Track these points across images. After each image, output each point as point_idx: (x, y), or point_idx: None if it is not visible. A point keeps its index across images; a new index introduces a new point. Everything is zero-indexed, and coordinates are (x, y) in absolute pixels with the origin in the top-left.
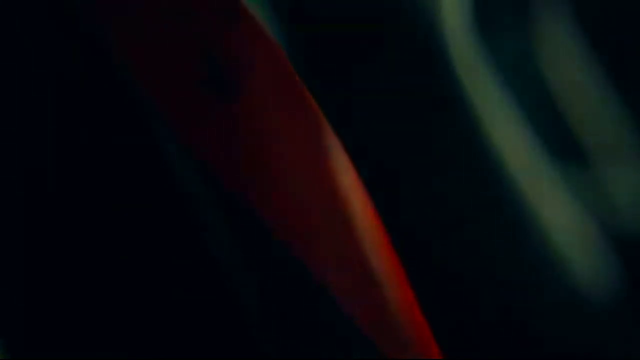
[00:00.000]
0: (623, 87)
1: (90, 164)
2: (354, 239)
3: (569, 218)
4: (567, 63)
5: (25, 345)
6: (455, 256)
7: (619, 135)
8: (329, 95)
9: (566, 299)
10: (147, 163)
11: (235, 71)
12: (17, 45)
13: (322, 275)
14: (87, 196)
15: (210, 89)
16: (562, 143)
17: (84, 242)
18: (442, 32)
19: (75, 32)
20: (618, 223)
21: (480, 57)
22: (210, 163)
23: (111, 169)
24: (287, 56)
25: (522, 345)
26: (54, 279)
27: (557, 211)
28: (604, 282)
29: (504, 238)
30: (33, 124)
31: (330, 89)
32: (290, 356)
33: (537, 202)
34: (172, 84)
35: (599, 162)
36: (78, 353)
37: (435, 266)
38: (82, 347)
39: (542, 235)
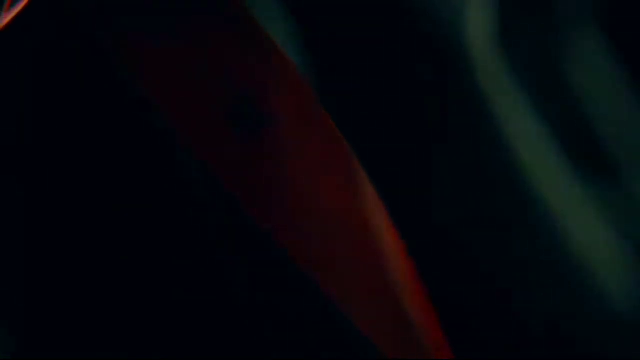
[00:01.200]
0: None
1: (116, 189)
2: (379, 270)
3: (597, 231)
4: (593, 72)
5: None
6: (479, 271)
7: None
8: (347, 98)
9: (598, 311)
10: (173, 192)
11: (260, 104)
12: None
13: (344, 305)
14: (114, 222)
15: (235, 122)
16: (588, 152)
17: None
18: (465, 38)
19: (106, 65)
20: None
21: (504, 64)
22: (235, 192)
23: (137, 197)
24: (311, 87)
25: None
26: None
27: (584, 223)
28: (636, 295)
29: (528, 248)
30: (67, 154)
31: (346, 92)
32: None
33: (562, 213)
34: (199, 117)
35: (627, 174)
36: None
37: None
38: (88, 346)
39: (570, 248)
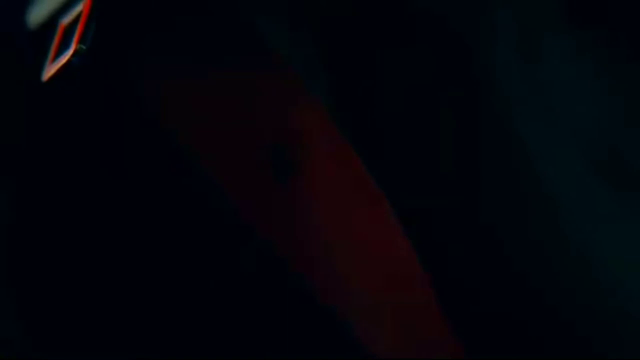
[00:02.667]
0: None
1: (153, 232)
2: (404, 302)
3: (629, 249)
4: (623, 91)
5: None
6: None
7: None
8: (379, 132)
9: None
10: (207, 236)
11: (296, 152)
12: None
13: (369, 338)
14: (149, 265)
15: (272, 169)
16: (616, 171)
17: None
18: (492, 60)
19: (147, 115)
20: None
21: (532, 84)
22: (268, 235)
23: (173, 240)
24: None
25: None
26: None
27: (614, 242)
28: None
29: (554, 266)
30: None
31: (378, 125)
32: None
33: (592, 231)
34: (236, 164)
35: None
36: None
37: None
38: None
39: (600, 266)
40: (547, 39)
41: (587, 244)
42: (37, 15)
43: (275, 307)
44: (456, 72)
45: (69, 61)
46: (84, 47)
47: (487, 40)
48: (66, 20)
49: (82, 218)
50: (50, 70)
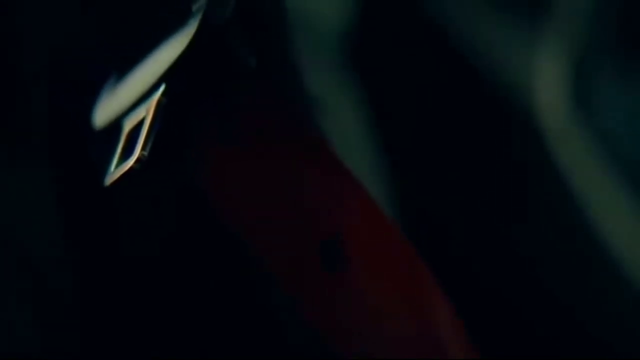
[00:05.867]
0: None
1: (205, 318)
2: None
3: None
4: None
5: None
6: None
7: None
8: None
9: None
10: (257, 325)
11: (346, 244)
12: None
13: None
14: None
15: (322, 262)
16: None
17: None
18: (534, 103)
19: (200, 207)
20: None
21: (582, 128)
22: (317, 325)
23: (223, 326)
24: (398, 229)
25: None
26: None
27: None
28: None
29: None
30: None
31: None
32: None
33: None
34: (287, 255)
35: None
36: None
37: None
38: None
39: None
40: (606, 79)
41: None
42: (102, 116)
43: None
44: (494, 117)
45: (131, 168)
46: (145, 154)
47: (527, 75)
48: (130, 122)
49: (150, 310)
50: (113, 176)
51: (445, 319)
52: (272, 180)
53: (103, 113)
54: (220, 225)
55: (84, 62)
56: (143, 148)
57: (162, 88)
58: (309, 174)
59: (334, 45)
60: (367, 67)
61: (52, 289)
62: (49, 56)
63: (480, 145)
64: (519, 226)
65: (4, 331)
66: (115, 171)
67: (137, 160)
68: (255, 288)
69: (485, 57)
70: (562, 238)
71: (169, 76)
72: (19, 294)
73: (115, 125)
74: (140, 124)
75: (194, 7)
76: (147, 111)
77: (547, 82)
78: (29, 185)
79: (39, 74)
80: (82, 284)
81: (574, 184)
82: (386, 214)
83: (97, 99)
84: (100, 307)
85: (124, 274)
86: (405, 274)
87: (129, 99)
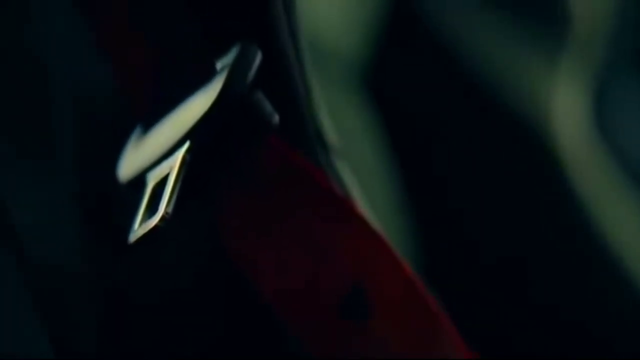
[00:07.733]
0: None
1: None
2: None
3: None
4: None
5: None
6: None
7: None
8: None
9: None
10: None
11: (369, 295)
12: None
13: None
14: None
15: (344, 313)
16: None
17: None
18: (551, 126)
19: (227, 265)
20: None
21: (602, 156)
22: None
23: None
24: (420, 280)
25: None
26: None
27: None
28: None
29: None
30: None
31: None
32: None
33: None
34: (309, 308)
35: None
36: None
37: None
38: None
39: None
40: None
41: None
42: (127, 169)
43: None
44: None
45: (155, 226)
46: (169, 212)
47: (542, 98)
48: (155, 177)
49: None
50: (137, 233)
51: None
52: (292, 230)
53: (128, 166)
54: (239, 277)
55: (110, 110)
56: (167, 206)
57: (186, 145)
58: (330, 224)
59: (353, 80)
60: (384, 102)
61: (66, 304)
62: (75, 101)
63: (500, 175)
64: (540, 264)
65: (18, 343)
66: (140, 229)
67: (162, 219)
68: (270, 338)
69: (503, 81)
70: (578, 258)
71: (194, 134)
72: (35, 305)
73: (140, 178)
74: (164, 179)
75: (219, 65)
76: (171, 168)
77: (565, 107)
78: (52, 200)
79: (64, 111)
80: (96, 299)
81: (593, 208)
82: (408, 264)
83: (122, 150)
84: (110, 326)
85: (138, 309)
86: (426, 325)
87: (154, 154)
